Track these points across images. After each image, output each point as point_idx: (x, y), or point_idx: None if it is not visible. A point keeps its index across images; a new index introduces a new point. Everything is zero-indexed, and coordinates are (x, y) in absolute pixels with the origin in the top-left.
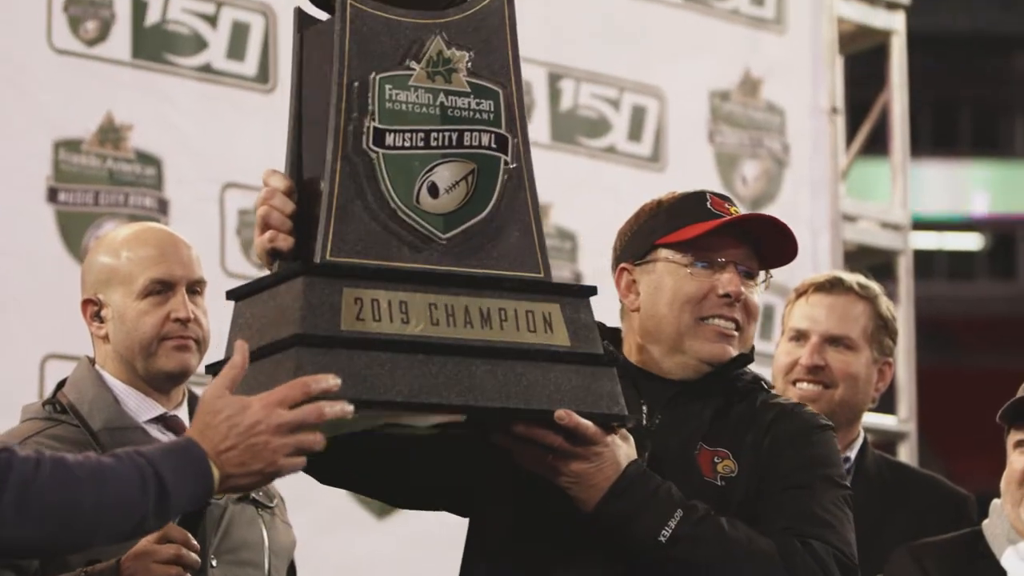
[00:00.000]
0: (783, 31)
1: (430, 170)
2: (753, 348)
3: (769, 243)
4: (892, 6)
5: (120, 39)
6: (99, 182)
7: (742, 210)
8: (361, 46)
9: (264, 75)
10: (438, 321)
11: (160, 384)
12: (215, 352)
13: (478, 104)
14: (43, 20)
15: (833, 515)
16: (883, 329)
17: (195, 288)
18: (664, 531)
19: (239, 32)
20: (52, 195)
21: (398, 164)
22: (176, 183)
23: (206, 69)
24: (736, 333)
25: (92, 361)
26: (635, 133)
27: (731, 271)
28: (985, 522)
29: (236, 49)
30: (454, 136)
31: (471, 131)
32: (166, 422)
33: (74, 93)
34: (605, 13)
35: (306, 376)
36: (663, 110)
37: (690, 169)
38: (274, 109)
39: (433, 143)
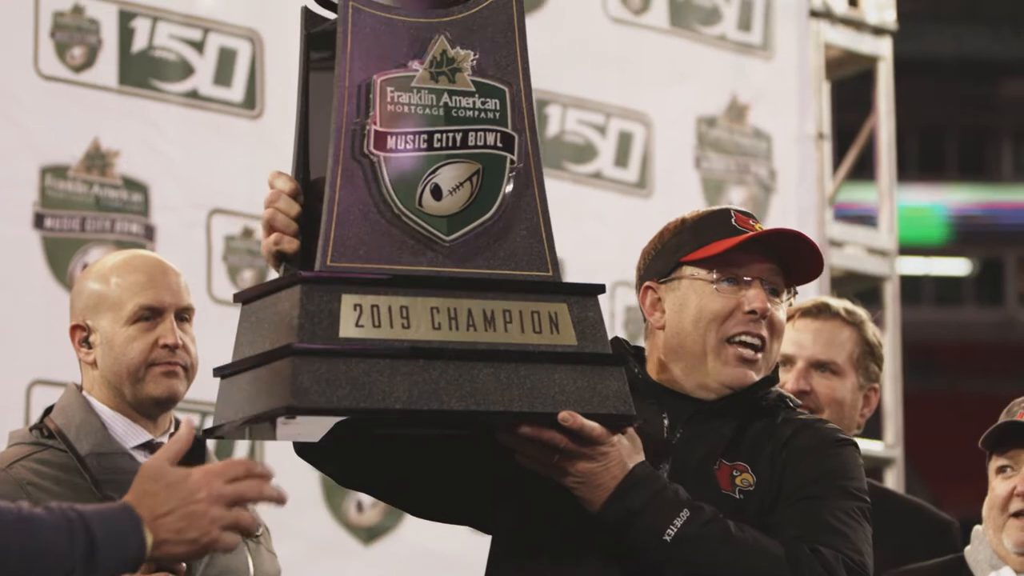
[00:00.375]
0: (770, 57)
1: (433, 172)
2: (778, 366)
3: (794, 259)
4: (879, 32)
5: (107, 65)
6: (85, 208)
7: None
8: (363, 48)
9: (251, 101)
10: (440, 325)
11: (148, 410)
12: (202, 380)
13: (483, 103)
14: (30, 46)
15: (846, 524)
16: (869, 355)
17: (183, 315)
18: (669, 530)
19: (226, 58)
20: (39, 221)
21: (400, 167)
22: (163, 209)
23: (193, 95)
24: (759, 356)
25: (80, 387)
26: (621, 159)
27: (757, 287)
28: (967, 548)
29: (223, 75)
30: (458, 136)
31: (476, 131)
32: (153, 449)
33: (61, 119)
34: (592, 39)
35: (251, 461)
36: (650, 136)
37: (676, 195)
38: (261, 135)
39: (436, 144)
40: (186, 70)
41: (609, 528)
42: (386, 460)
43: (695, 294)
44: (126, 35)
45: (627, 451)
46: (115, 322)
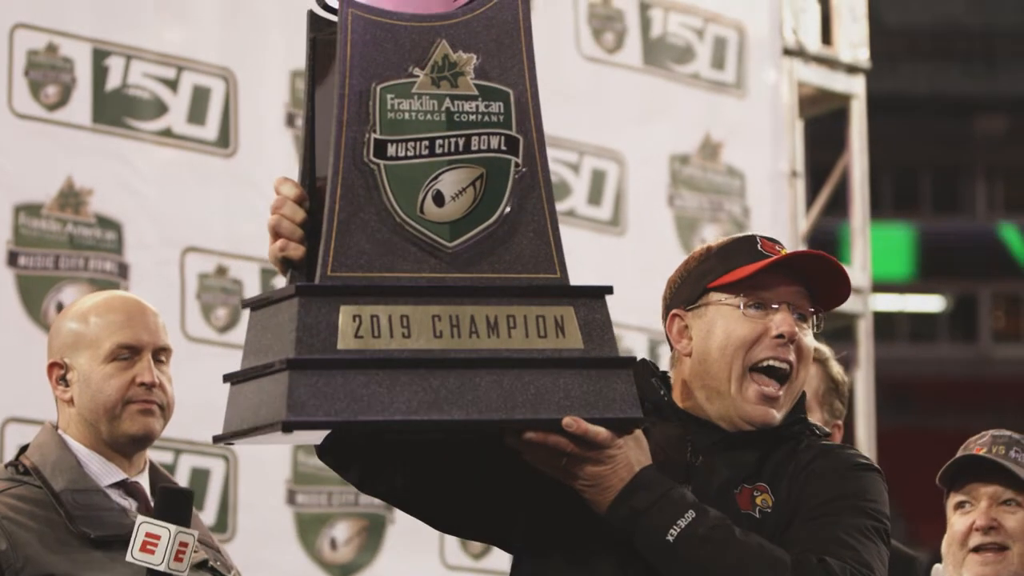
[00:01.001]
0: (743, 95)
1: (435, 178)
2: (804, 396)
3: (821, 283)
4: (852, 70)
5: (81, 104)
6: (59, 246)
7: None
8: (363, 55)
9: (225, 139)
10: (441, 333)
11: (123, 448)
12: (177, 418)
13: (487, 107)
14: (4, 84)
15: (857, 540)
16: (834, 392)
17: (161, 355)
18: (672, 530)
19: (200, 96)
20: (12, 259)
21: (401, 175)
22: (136, 247)
23: (167, 133)
24: (781, 393)
25: (55, 426)
26: (595, 197)
27: (784, 311)
28: None
29: (197, 113)
30: (460, 141)
31: (479, 135)
32: (127, 488)
33: (34, 157)
34: (565, 77)
35: None
36: (623, 174)
37: (650, 233)
38: (234, 173)
39: (439, 150)
40: (160, 108)
41: (616, 529)
42: (407, 468)
43: (722, 319)
44: (100, 73)
45: (634, 454)
46: (93, 360)
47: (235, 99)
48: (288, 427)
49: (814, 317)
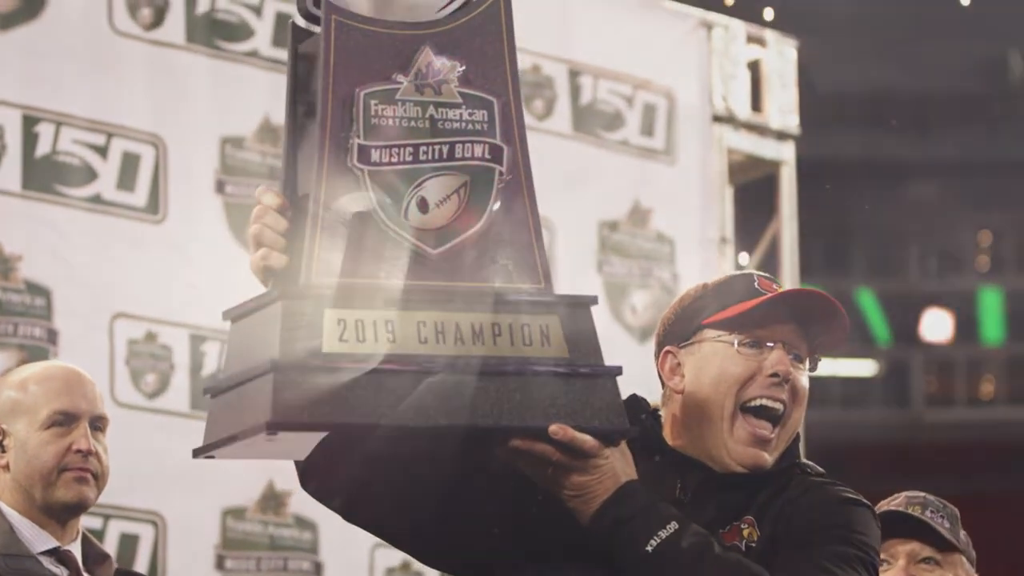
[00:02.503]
0: (673, 162)
1: (419, 185)
2: (798, 437)
3: (818, 322)
4: (782, 137)
5: (11, 170)
6: None
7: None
8: (346, 62)
9: (154, 206)
10: (427, 340)
11: (57, 514)
12: (108, 484)
13: (471, 115)
14: None
15: (838, 567)
16: None
17: (97, 424)
18: (652, 541)
19: (129, 163)
20: None
21: (385, 181)
22: (65, 313)
23: (96, 200)
24: (773, 436)
25: None
26: None
27: (780, 350)
28: None
29: (126, 180)
30: (444, 149)
31: (463, 143)
32: (59, 555)
33: None
34: None
35: None
36: (552, 241)
37: None
38: (164, 239)
39: (422, 157)
40: (89, 175)
41: (598, 539)
42: (391, 498)
43: (716, 357)
44: (30, 140)
45: (620, 465)
46: (30, 426)
47: (165, 165)
48: (274, 429)
49: (809, 357)
